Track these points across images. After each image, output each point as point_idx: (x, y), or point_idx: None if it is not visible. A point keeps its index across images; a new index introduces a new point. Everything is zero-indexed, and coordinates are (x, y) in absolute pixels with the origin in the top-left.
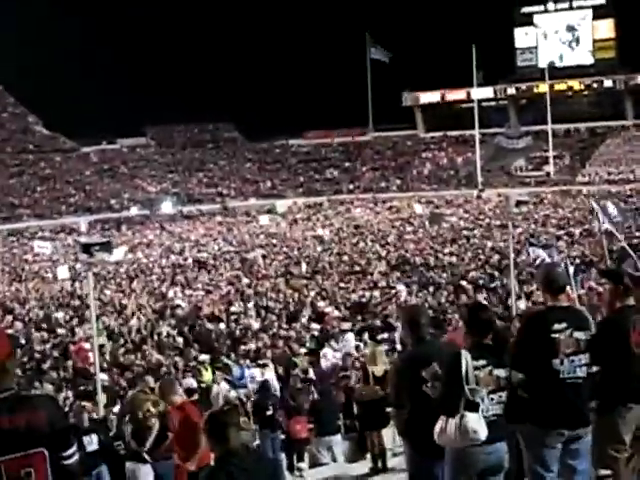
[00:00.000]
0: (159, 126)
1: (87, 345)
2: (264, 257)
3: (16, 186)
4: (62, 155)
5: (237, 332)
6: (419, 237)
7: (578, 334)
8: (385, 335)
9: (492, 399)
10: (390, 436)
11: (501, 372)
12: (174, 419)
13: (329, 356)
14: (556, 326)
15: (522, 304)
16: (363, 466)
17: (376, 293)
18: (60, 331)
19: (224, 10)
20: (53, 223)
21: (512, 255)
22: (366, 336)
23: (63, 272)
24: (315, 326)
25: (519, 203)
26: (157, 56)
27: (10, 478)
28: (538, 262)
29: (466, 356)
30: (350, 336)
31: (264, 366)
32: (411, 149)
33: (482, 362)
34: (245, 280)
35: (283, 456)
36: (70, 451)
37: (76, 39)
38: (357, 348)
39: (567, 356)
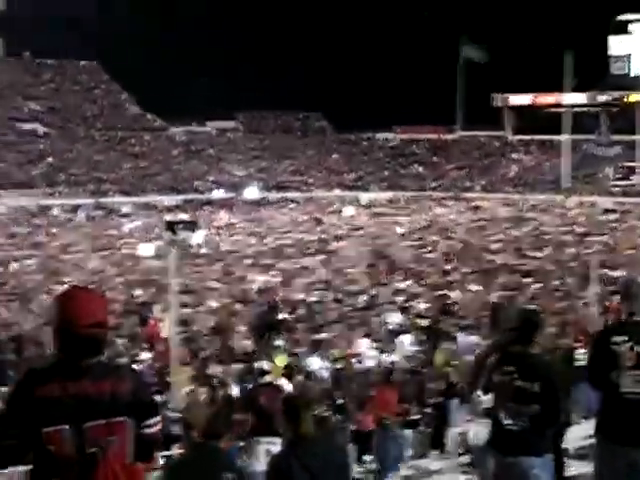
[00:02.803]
0: (249, 111)
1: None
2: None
3: (104, 162)
4: (151, 134)
5: (314, 320)
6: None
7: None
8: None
9: (630, 376)
10: None
11: None
12: None
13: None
14: (615, 338)
15: None
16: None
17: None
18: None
19: (320, 2)
20: (138, 200)
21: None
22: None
23: (147, 249)
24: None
25: (606, 211)
26: (252, 42)
27: (92, 444)
28: None
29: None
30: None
31: (337, 356)
32: (498, 150)
33: (623, 337)
34: (324, 270)
35: (351, 447)
36: (152, 420)
37: (173, 21)
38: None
39: (628, 369)
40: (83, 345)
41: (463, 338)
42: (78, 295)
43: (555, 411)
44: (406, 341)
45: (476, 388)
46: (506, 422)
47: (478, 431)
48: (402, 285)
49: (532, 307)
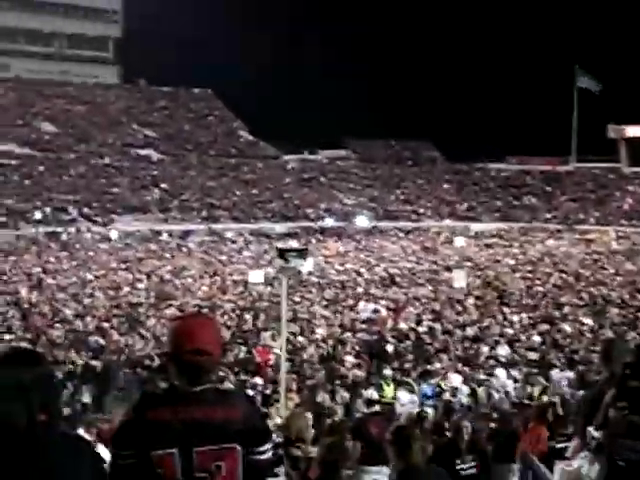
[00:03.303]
0: (360, 140)
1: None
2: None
3: (216, 188)
4: (263, 161)
5: (422, 351)
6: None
7: None
8: None
9: None
10: None
11: None
12: None
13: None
14: None
15: None
16: None
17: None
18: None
19: (435, 31)
20: (249, 227)
21: None
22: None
23: (257, 276)
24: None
25: None
26: (364, 71)
27: (201, 469)
28: None
29: None
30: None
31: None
32: (613, 182)
33: None
34: (434, 300)
35: None
36: (263, 448)
37: (286, 50)
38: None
39: None
40: (188, 371)
41: (558, 374)
42: (186, 322)
43: None
44: (502, 375)
45: (590, 423)
46: (619, 458)
47: (589, 467)
48: (514, 317)
49: None
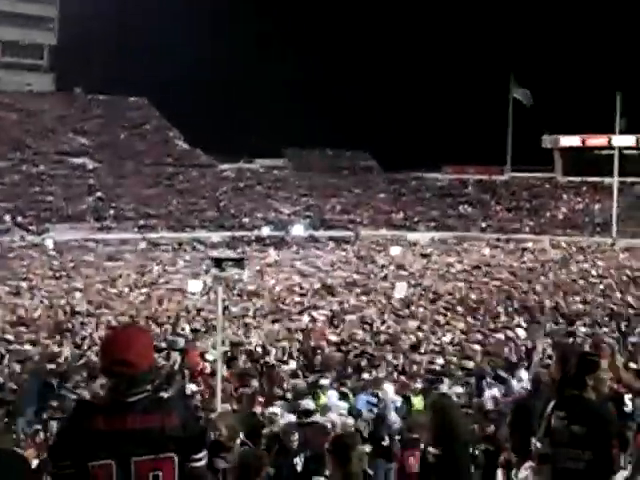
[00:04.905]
0: (297, 149)
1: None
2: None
3: (152, 197)
4: (199, 170)
5: (358, 360)
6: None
7: None
8: None
9: None
10: None
11: None
12: None
13: None
14: None
15: None
16: None
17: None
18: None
19: (371, 41)
20: (185, 236)
21: None
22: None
23: (195, 286)
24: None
25: None
26: (300, 81)
27: (138, 479)
28: None
29: None
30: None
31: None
32: (548, 192)
33: None
34: (371, 310)
35: None
36: (200, 454)
37: (222, 59)
38: None
39: None
40: (117, 382)
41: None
42: (115, 333)
43: (607, 457)
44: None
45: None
46: (563, 467)
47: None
48: (452, 326)
49: (588, 351)
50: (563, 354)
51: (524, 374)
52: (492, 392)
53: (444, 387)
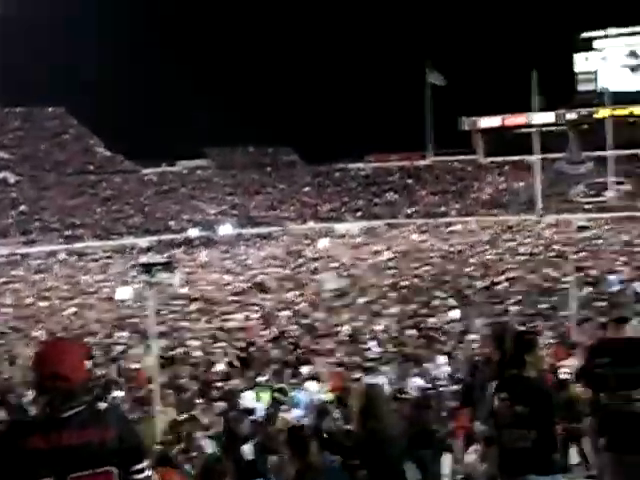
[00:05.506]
0: (219, 148)
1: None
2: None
3: (76, 206)
4: (122, 176)
5: (292, 356)
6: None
7: (623, 369)
8: None
9: None
10: None
11: None
12: None
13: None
14: (598, 361)
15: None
16: None
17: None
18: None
19: (285, 34)
20: (112, 244)
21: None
22: None
23: (124, 293)
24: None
25: (580, 228)
26: (217, 79)
27: None
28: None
29: None
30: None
31: (321, 390)
32: (470, 174)
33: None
34: (304, 304)
35: None
36: (140, 466)
37: (139, 60)
38: None
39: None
40: (51, 397)
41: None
42: (46, 348)
43: (551, 435)
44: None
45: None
46: (509, 447)
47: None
48: (383, 314)
49: (524, 329)
50: (498, 334)
51: (442, 359)
52: (416, 379)
53: (373, 377)
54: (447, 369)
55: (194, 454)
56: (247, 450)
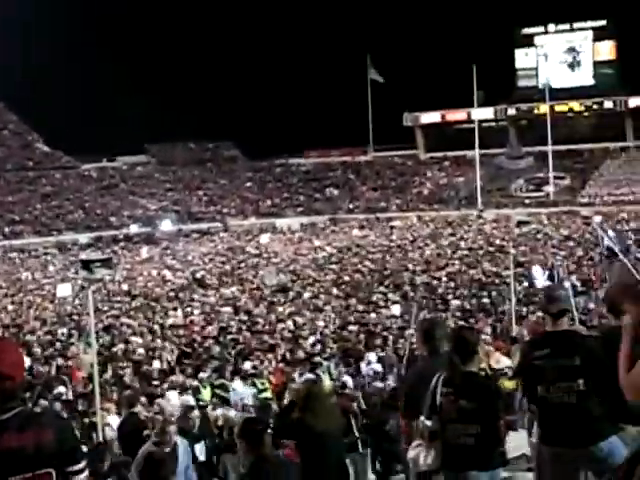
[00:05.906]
0: (159, 144)
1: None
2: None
3: (16, 202)
4: (62, 172)
5: (234, 352)
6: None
7: (563, 361)
8: None
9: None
10: None
11: None
12: None
13: None
14: (538, 353)
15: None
16: None
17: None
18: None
19: (224, 28)
20: (52, 240)
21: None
22: None
23: (64, 290)
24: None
25: (520, 223)
26: (157, 75)
27: None
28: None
29: None
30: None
31: (262, 387)
32: (411, 169)
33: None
34: (244, 300)
35: None
36: (78, 467)
37: (78, 57)
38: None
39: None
40: None
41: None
42: None
43: (495, 430)
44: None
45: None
46: (453, 442)
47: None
48: (325, 310)
49: (465, 325)
50: (425, 328)
51: (372, 356)
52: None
53: (313, 373)
54: (378, 366)
55: None
56: (199, 451)
